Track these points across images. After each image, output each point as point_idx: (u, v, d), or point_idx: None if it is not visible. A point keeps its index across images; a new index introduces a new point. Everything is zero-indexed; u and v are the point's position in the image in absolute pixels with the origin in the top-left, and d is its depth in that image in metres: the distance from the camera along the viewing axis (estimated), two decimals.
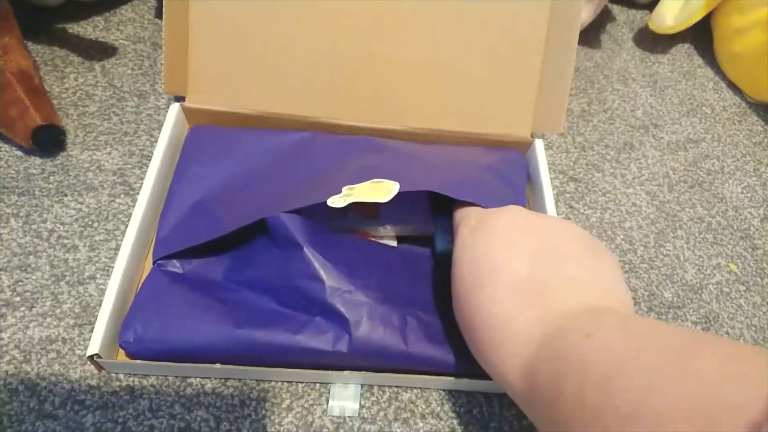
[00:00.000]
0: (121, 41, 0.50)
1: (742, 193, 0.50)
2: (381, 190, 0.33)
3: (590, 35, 0.60)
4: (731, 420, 0.17)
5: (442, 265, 0.36)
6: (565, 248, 0.28)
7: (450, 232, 0.38)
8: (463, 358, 0.32)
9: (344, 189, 0.34)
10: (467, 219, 0.32)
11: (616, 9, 0.64)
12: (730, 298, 0.43)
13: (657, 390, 0.18)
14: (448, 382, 0.34)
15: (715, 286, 0.43)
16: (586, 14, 0.53)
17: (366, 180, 0.34)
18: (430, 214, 0.39)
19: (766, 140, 0.54)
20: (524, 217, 0.30)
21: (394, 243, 0.39)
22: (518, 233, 0.29)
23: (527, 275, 0.26)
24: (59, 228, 0.38)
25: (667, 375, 0.19)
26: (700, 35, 0.61)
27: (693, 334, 0.21)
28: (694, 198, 0.48)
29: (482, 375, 0.33)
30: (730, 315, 0.42)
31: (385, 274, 0.34)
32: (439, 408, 0.34)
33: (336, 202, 0.32)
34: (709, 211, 0.48)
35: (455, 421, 0.34)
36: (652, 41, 0.61)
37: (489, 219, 0.30)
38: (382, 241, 0.38)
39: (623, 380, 0.20)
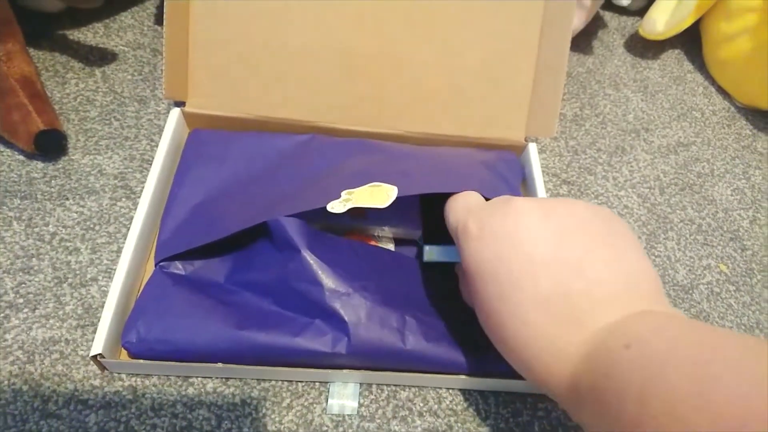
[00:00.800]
0: (121, 47, 0.50)
1: (731, 195, 0.51)
2: (380, 195, 0.34)
3: (582, 41, 0.61)
4: (758, 428, 0.16)
5: (437, 267, 0.37)
6: (585, 248, 0.25)
7: (436, 239, 0.38)
8: (462, 355, 0.33)
9: (343, 193, 0.34)
10: (465, 225, 0.29)
11: (607, 15, 0.65)
12: (721, 297, 0.44)
13: (685, 398, 0.18)
14: (445, 380, 0.34)
15: (706, 286, 0.44)
16: (577, 21, 0.54)
17: (364, 182, 0.35)
18: (418, 219, 0.39)
19: (754, 143, 0.55)
20: (529, 216, 0.27)
21: (391, 246, 0.39)
22: (529, 239, 0.26)
23: (552, 291, 0.24)
24: (61, 231, 0.39)
25: (694, 382, 0.19)
26: (690, 41, 0.63)
27: (716, 335, 0.21)
28: (685, 200, 0.49)
29: (479, 373, 0.34)
30: (721, 314, 0.42)
31: (384, 276, 0.35)
32: (436, 406, 0.35)
33: (336, 207, 0.33)
34: (700, 213, 0.49)
35: (452, 419, 0.34)
36: (642, 47, 0.62)
37: (490, 225, 0.27)
38: (380, 244, 0.39)
39: (658, 388, 0.19)
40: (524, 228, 0.26)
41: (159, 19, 0.53)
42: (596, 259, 0.25)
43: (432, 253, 0.36)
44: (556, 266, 0.25)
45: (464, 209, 0.30)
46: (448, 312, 0.35)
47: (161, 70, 0.49)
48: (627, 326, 0.23)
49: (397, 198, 0.33)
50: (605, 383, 0.22)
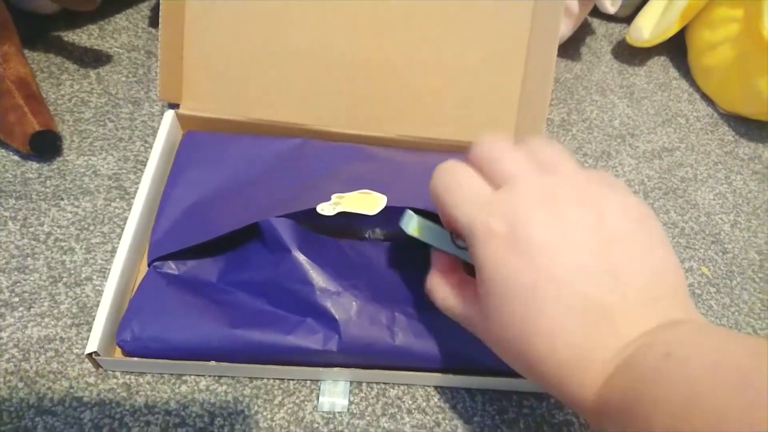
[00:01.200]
0: (116, 49, 0.51)
1: (713, 199, 0.52)
2: (369, 202, 0.35)
3: (570, 48, 0.62)
4: None
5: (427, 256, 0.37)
6: (625, 254, 0.24)
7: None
8: (450, 351, 0.34)
9: (333, 197, 0.35)
10: (487, 225, 0.25)
11: (595, 22, 0.66)
12: (702, 299, 0.45)
13: (726, 417, 0.18)
14: (434, 378, 0.35)
15: (688, 288, 0.45)
16: (565, 28, 0.55)
17: (355, 189, 0.36)
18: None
19: (736, 149, 0.57)
20: (579, 220, 0.24)
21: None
22: (572, 246, 0.24)
23: (588, 299, 0.23)
24: (56, 231, 0.39)
25: (734, 399, 0.18)
26: (676, 49, 0.64)
27: (755, 347, 0.20)
28: (668, 204, 0.51)
29: (467, 371, 0.35)
30: (701, 315, 0.44)
31: (374, 273, 0.36)
32: (424, 403, 0.35)
33: (325, 209, 0.34)
34: (683, 217, 0.50)
35: (440, 416, 0.35)
36: (629, 54, 0.63)
37: (525, 229, 0.24)
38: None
39: (698, 402, 0.19)
40: (570, 236, 0.24)
41: (153, 22, 0.54)
42: (635, 266, 0.24)
43: (419, 229, 0.31)
44: (596, 274, 0.23)
45: (477, 202, 0.26)
46: (437, 308, 0.36)
47: (155, 72, 0.50)
48: (664, 335, 0.22)
49: (386, 207, 0.34)
50: (640, 393, 0.21)
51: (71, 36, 0.51)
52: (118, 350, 0.34)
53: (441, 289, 0.31)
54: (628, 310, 0.23)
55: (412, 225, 0.31)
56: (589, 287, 0.23)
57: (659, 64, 0.64)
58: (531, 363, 0.25)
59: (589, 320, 0.23)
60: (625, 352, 0.22)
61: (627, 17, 0.65)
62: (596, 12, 0.62)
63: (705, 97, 0.61)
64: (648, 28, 0.59)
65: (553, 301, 0.23)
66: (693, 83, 0.62)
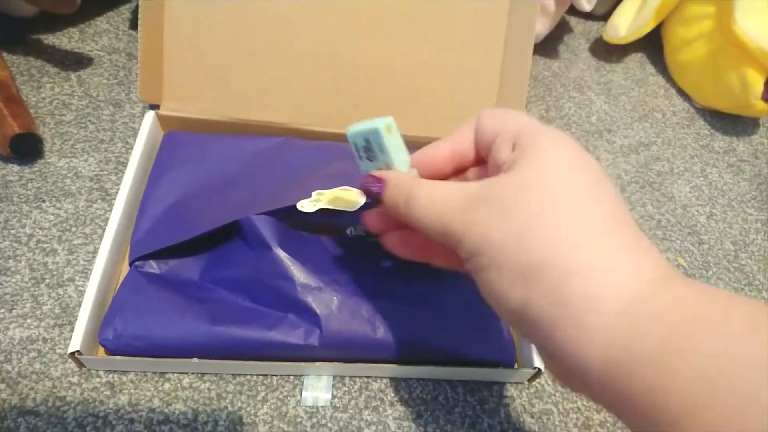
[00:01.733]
0: (97, 52, 0.51)
1: (689, 192, 0.53)
2: (349, 198, 0.35)
3: (548, 46, 0.63)
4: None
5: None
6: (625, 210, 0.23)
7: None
8: (431, 343, 0.35)
9: (314, 194, 0.36)
10: (549, 131, 0.24)
11: (573, 20, 0.67)
12: None
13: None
14: (416, 370, 0.36)
15: None
16: (542, 26, 0.56)
17: (336, 186, 0.37)
18: None
19: (711, 143, 0.58)
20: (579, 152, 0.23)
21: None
22: (586, 175, 0.23)
23: (625, 216, 0.22)
24: (38, 233, 0.39)
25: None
26: (652, 45, 0.65)
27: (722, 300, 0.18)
28: (645, 197, 0.52)
29: (448, 363, 0.35)
30: None
31: (355, 269, 0.36)
32: (407, 396, 0.36)
33: (306, 206, 0.34)
34: (659, 210, 0.51)
35: (422, 408, 0.36)
36: (606, 51, 0.64)
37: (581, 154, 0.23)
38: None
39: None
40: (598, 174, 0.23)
41: (134, 24, 0.54)
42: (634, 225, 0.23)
43: (390, 128, 0.30)
44: (625, 218, 0.22)
45: (536, 125, 0.25)
46: (418, 301, 0.36)
47: (136, 74, 0.50)
48: (680, 295, 0.19)
49: (366, 203, 0.34)
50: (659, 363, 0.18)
51: (51, 39, 0.51)
52: (102, 351, 0.34)
53: (422, 190, 0.26)
54: (645, 251, 0.21)
55: (387, 123, 0.29)
56: (623, 220, 0.21)
57: (636, 61, 0.65)
58: (540, 264, 0.21)
59: (623, 233, 0.21)
60: (648, 300, 0.19)
61: (604, 15, 0.66)
62: (573, 10, 0.63)
63: (681, 93, 0.62)
64: (624, 26, 0.60)
65: (597, 202, 0.21)
66: (669, 79, 0.63)
